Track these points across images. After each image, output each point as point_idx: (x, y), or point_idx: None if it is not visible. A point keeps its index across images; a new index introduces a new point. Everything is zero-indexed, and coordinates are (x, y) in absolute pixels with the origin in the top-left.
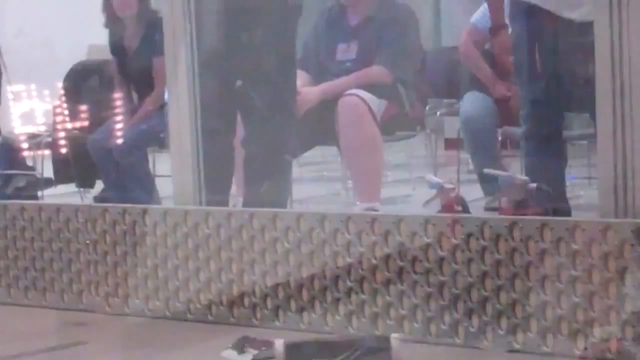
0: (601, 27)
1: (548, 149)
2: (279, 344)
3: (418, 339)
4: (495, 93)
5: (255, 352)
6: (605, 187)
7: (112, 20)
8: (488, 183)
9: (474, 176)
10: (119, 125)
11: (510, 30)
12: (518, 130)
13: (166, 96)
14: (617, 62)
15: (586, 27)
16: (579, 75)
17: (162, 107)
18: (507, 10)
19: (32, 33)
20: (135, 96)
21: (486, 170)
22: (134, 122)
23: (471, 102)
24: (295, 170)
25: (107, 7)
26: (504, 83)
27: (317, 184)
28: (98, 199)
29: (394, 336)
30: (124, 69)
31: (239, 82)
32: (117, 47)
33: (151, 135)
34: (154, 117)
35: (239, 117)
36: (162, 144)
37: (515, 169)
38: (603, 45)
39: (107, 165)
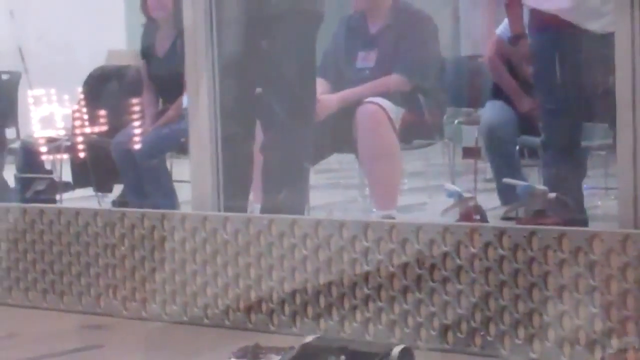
0: (622, 38)
1: (567, 159)
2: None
3: (435, 347)
4: (520, 107)
5: None
6: (625, 197)
7: (147, 20)
8: (506, 192)
9: (492, 185)
10: (142, 129)
11: (529, 40)
12: (536, 140)
13: (185, 101)
14: (637, 73)
15: (607, 39)
16: (598, 85)
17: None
18: (527, 19)
19: (53, 38)
20: (160, 101)
21: (505, 180)
22: (156, 126)
23: (492, 110)
24: (312, 177)
25: (144, 7)
26: (529, 97)
27: (334, 191)
28: (117, 203)
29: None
30: (153, 71)
31: (258, 90)
32: (148, 48)
33: (173, 140)
34: (176, 123)
35: (258, 124)
36: (182, 149)
37: (533, 179)
38: (624, 55)
39: (128, 169)
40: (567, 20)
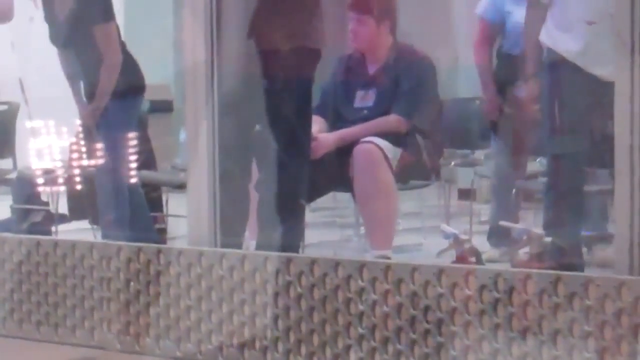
0: (621, 85)
1: (568, 204)
2: None
3: None
4: (487, 111)
5: None
6: (621, 244)
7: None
8: (497, 236)
9: (486, 227)
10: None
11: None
12: (531, 184)
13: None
14: (636, 120)
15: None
16: (602, 131)
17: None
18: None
19: (53, 70)
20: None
21: (502, 223)
22: (92, 110)
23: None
24: (308, 215)
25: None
26: (496, 103)
27: (329, 229)
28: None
29: None
30: (64, 53)
31: (257, 127)
32: (51, 29)
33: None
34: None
35: (254, 162)
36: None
37: (528, 223)
38: (623, 102)
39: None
40: (575, 64)
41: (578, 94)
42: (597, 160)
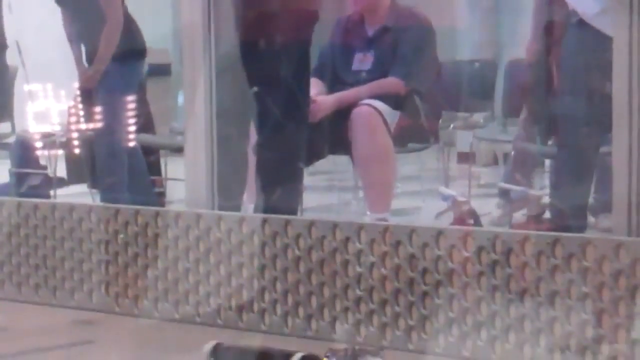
0: (620, 44)
1: (579, 165)
2: (207, 347)
3: (426, 350)
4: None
5: None
6: (619, 205)
7: None
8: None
9: (485, 190)
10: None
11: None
12: (531, 146)
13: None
14: (634, 79)
15: None
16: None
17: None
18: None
19: (50, 32)
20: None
21: (501, 184)
22: (92, 73)
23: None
24: (307, 179)
25: None
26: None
27: (328, 193)
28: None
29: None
30: (68, 14)
31: (254, 89)
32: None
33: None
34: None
35: (252, 124)
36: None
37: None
38: (621, 61)
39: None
40: (593, 26)
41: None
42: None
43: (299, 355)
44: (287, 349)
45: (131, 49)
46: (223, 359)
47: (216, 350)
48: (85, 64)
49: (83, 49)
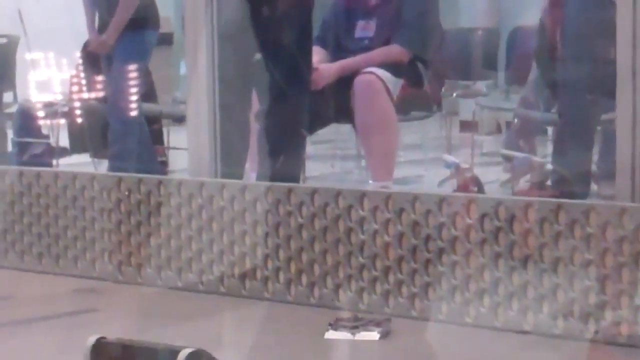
0: (624, 8)
1: (581, 132)
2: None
3: (428, 317)
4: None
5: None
6: (623, 171)
7: None
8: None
9: (488, 159)
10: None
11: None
12: (532, 113)
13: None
14: (638, 43)
15: None
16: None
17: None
18: None
19: (52, 0)
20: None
21: (502, 151)
22: (105, 39)
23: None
24: (309, 147)
25: None
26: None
27: (330, 161)
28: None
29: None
30: None
31: (257, 56)
32: None
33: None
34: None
35: (254, 92)
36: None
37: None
38: (625, 27)
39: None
40: None
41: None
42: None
43: (186, 351)
44: (174, 345)
45: (145, 18)
46: (105, 355)
47: (97, 346)
48: (96, 31)
49: (97, 14)
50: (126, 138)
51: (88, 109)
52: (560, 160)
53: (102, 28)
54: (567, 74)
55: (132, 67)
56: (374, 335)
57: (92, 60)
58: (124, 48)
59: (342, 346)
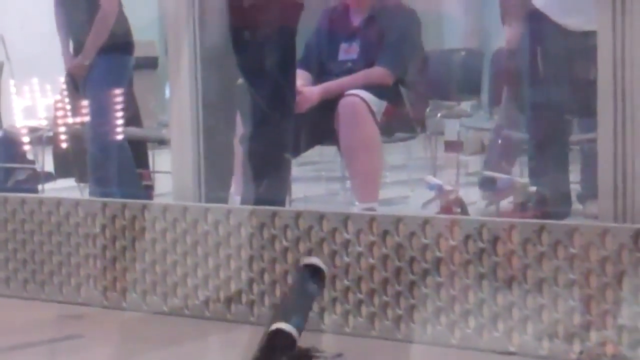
0: (604, 32)
1: (552, 153)
2: None
3: (414, 339)
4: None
5: None
6: (605, 191)
7: None
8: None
9: (473, 178)
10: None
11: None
12: (516, 134)
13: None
14: (619, 66)
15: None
16: (582, 80)
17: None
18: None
19: (35, 26)
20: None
21: (486, 173)
22: (79, 62)
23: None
24: (294, 170)
25: None
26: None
27: (316, 183)
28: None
29: None
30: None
31: (240, 80)
32: None
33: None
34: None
35: (238, 116)
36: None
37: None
38: (605, 49)
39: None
40: (546, 15)
41: (554, 43)
42: (578, 109)
43: None
44: None
45: (120, 42)
46: None
47: None
48: (72, 54)
49: (71, 39)
50: (105, 163)
51: (73, 134)
52: (536, 180)
53: (77, 51)
54: (534, 95)
55: (109, 91)
56: None
57: (76, 85)
58: (99, 72)
59: None
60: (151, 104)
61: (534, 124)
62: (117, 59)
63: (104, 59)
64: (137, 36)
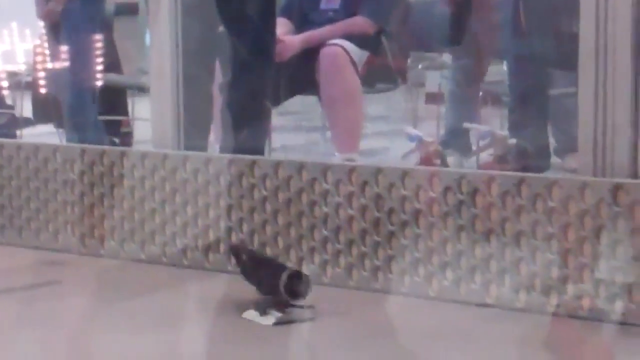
0: None
1: (532, 106)
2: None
3: (391, 290)
4: None
5: (279, 314)
6: (585, 145)
7: None
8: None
9: None
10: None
11: None
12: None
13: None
14: (601, 20)
15: None
16: (564, 33)
17: None
18: None
19: None
20: None
21: (466, 125)
22: (51, 8)
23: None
24: (275, 119)
25: None
26: None
27: (296, 133)
28: None
29: None
30: None
31: (221, 27)
32: None
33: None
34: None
35: (217, 64)
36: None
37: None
38: (588, 2)
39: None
40: None
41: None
42: (561, 62)
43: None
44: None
45: None
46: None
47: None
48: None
49: None
50: (82, 109)
51: (52, 79)
52: (515, 133)
53: None
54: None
55: (84, 36)
56: (269, 319)
57: (56, 29)
58: (72, 17)
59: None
60: (131, 50)
61: (515, 77)
62: (89, 4)
63: (75, 3)
64: None
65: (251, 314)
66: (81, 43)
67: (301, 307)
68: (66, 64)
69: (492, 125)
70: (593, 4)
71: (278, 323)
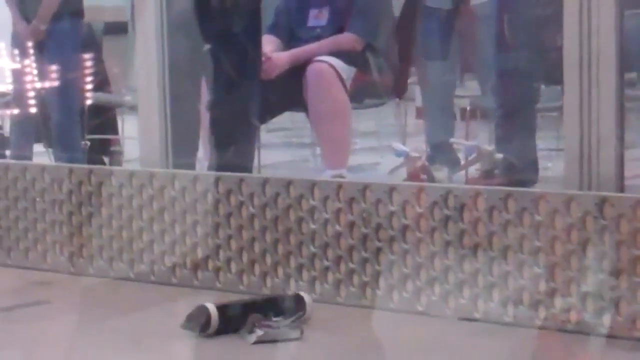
0: None
1: (519, 120)
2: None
3: (380, 305)
4: None
5: (261, 332)
6: (571, 158)
7: None
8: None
9: None
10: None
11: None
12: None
13: None
14: (584, 33)
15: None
16: (549, 46)
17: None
18: None
19: None
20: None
21: (452, 140)
22: (33, 29)
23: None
24: (265, 136)
25: None
26: None
27: (286, 150)
28: None
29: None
30: None
31: (207, 46)
32: None
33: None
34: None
35: (203, 82)
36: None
37: (482, 140)
38: (571, 15)
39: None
40: None
41: (521, 11)
42: (546, 77)
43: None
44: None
45: (71, 6)
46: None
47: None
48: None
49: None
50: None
51: (40, 99)
52: (502, 148)
53: (28, 19)
54: (501, 62)
55: (68, 55)
56: (252, 337)
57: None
58: (54, 37)
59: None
60: (120, 69)
61: (501, 91)
62: (69, 24)
63: (55, 24)
64: (107, 1)
65: (240, 332)
66: (67, 62)
67: (290, 323)
68: (56, 84)
69: (479, 140)
70: (576, 18)
71: (259, 342)
